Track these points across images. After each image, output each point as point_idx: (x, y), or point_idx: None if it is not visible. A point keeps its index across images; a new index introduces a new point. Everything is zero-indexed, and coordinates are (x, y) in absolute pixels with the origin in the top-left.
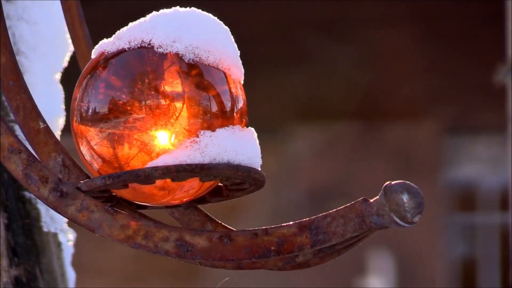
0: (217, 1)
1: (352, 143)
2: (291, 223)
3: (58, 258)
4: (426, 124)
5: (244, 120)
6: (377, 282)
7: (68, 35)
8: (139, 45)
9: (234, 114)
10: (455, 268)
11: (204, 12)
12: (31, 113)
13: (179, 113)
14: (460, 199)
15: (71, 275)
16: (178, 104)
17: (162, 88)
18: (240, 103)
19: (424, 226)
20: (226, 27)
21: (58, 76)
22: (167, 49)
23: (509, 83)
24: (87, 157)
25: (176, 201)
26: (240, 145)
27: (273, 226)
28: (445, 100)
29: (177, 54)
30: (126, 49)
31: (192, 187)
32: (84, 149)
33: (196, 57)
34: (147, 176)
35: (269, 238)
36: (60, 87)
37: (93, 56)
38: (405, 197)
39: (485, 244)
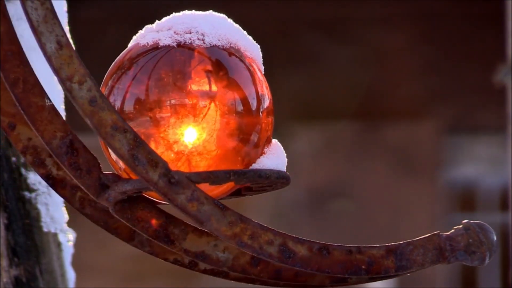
0: (216, 1)
1: (352, 143)
2: (379, 245)
3: (58, 258)
4: (426, 124)
5: (270, 119)
6: (377, 282)
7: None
8: (228, 46)
9: (260, 113)
10: (455, 268)
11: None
12: (33, 88)
13: (206, 112)
14: (460, 199)
15: (71, 275)
16: (204, 103)
17: (189, 87)
18: (266, 103)
19: (424, 226)
20: None
21: None
22: (249, 55)
23: (509, 83)
24: (113, 155)
25: None
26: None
27: (365, 245)
28: (445, 100)
29: (210, 55)
30: (220, 46)
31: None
32: None
33: (260, 63)
34: (267, 177)
35: (361, 257)
36: (60, 87)
37: (143, 43)
38: (495, 238)
39: None
